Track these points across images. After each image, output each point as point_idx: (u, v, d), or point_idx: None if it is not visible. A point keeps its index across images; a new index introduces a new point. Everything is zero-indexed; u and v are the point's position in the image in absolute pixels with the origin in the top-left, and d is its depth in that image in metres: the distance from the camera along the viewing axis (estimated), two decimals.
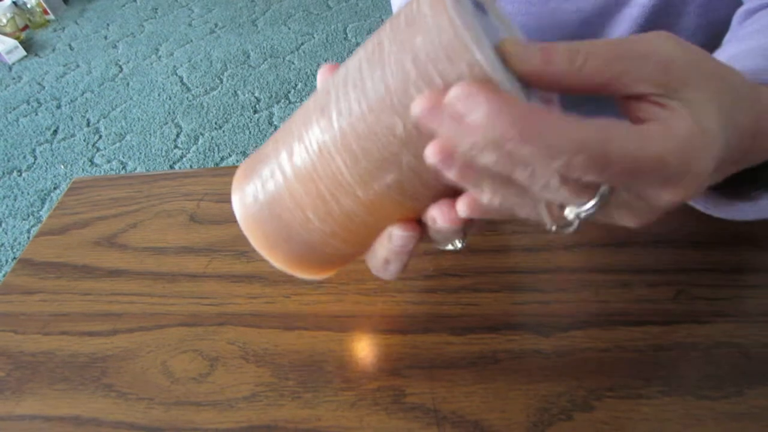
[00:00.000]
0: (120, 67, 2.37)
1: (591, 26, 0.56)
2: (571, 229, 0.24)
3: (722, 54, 0.38)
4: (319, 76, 0.28)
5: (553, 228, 0.24)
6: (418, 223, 0.25)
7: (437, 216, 0.24)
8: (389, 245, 0.26)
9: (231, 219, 0.49)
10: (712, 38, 0.47)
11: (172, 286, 0.44)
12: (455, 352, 0.35)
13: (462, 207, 0.23)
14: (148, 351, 0.40)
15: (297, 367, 0.36)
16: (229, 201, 0.51)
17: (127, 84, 2.24)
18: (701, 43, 0.53)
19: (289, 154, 0.25)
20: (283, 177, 0.25)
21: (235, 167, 0.55)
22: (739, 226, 0.37)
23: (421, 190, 0.23)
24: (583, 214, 0.23)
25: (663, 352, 0.32)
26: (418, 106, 0.20)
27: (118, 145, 1.92)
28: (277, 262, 0.28)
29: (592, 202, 0.23)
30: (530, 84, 0.22)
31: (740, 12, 0.46)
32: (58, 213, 0.55)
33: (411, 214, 0.25)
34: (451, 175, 0.22)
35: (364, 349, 0.36)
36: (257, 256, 0.44)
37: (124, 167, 1.81)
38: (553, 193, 0.23)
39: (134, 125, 2.00)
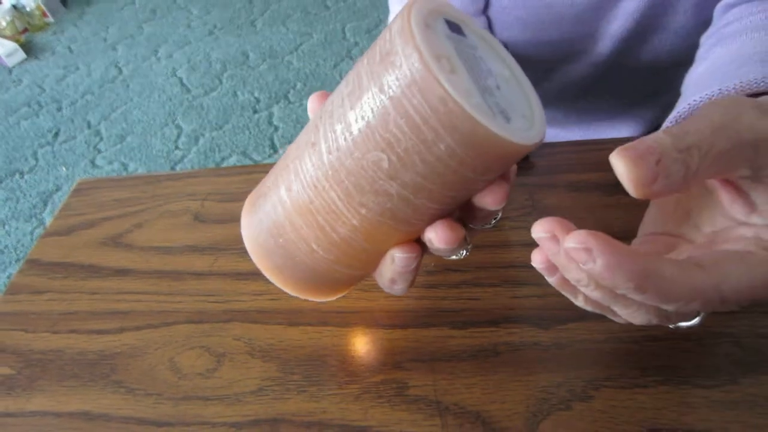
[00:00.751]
0: (120, 68, 2.38)
1: (586, 21, 0.57)
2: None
3: (711, 56, 0.39)
4: (309, 106, 0.29)
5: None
6: (418, 243, 0.26)
7: (433, 238, 0.24)
8: (392, 267, 0.26)
9: (235, 218, 0.50)
10: None
11: (178, 284, 0.45)
12: (456, 345, 0.35)
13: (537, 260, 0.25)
14: (155, 348, 0.41)
15: (302, 361, 0.37)
16: (232, 201, 0.52)
17: (127, 86, 2.25)
18: (694, 40, 0.54)
19: (287, 189, 0.26)
20: (284, 211, 0.26)
21: (237, 167, 0.56)
22: None
23: (414, 216, 0.24)
24: (685, 326, 0.26)
25: (658, 342, 0.33)
26: (536, 261, 0.23)
27: (119, 146, 1.93)
28: (288, 289, 0.29)
29: (696, 320, 0.26)
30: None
31: (721, 5, 0.46)
32: (64, 214, 0.56)
33: (409, 237, 0.25)
34: (550, 281, 0.24)
35: (367, 343, 0.37)
36: None
37: (125, 168, 1.82)
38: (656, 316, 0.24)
39: (135, 127, 2.00)
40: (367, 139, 0.21)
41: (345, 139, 0.22)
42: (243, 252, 0.46)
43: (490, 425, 0.31)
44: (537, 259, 0.24)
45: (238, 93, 2.04)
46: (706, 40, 0.45)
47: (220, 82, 2.13)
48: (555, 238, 0.21)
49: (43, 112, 2.20)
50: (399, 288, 0.28)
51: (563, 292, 0.25)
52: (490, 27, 0.59)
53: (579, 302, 0.25)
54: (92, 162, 1.89)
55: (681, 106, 0.33)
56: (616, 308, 0.24)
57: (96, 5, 3.01)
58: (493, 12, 0.58)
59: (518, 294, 0.38)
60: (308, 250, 0.26)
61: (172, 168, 1.77)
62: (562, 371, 0.33)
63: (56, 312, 0.46)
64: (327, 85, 1.99)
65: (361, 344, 0.37)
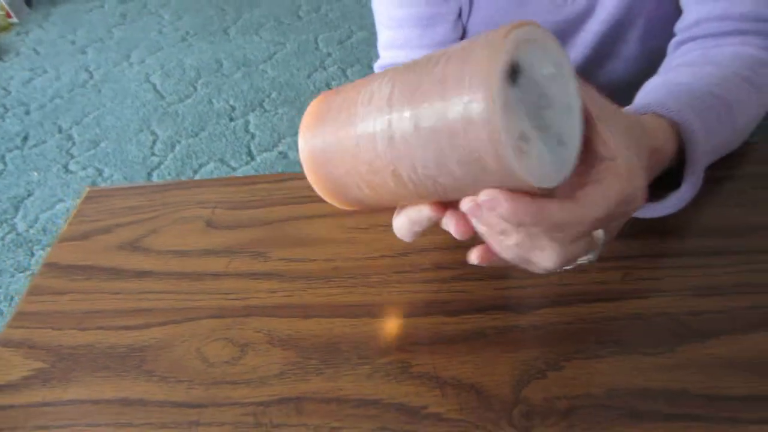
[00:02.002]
0: (90, 73, 2.38)
1: None
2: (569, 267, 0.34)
3: (651, 82, 0.49)
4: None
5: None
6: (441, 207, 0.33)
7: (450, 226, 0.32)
8: (419, 214, 0.34)
9: (246, 225, 0.55)
10: (651, 63, 0.56)
11: (198, 284, 0.50)
12: (450, 330, 0.42)
13: (474, 257, 0.33)
14: (182, 341, 0.46)
15: (318, 348, 0.43)
16: (240, 209, 0.58)
17: (99, 90, 2.26)
18: (642, 67, 0.63)
19: (356, 141, 0.31)
20: (351, 157, 0.31)
21: (242, 178, 0.62)
22: (666, 222, 0.46)
23: (437, 197, 0.31)
24: (588, 259, 0.34)
25: (614, 321, 0.41)
26: (465, 205, 0.30)
27: (93, 152, 1.94)
28: (324, 195, 0.36)
29: (595, 252, 0.33)
30: None
31: (673, 42, 0.55)
32: (78, 220, 0.60)
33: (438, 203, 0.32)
34: (481, 230, 0.32)
35: (374, 331, 0.43)
36: (273, 256, 0.51)
37: (100, 174, 1.84)
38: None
39: (109, 132, 2.02)
40: (428, 155, 0.28)
41: (411, 143, 0.28)
42: (256, 254, 0.52)
43: (483, 393, 0.38)
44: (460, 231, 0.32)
45: (214, 100, 2.08)
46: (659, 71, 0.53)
47: (195, 89, 2.16)
48: (477, 205, 0.29)
49: (9, 116, 2.18)
50: (412, 232, 0.35)
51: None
52: None
53: (504, 251, 0.33)
54: (65, 167, 1.89)
55: (629, 107, 0.44)
56: (532, 255, 0.32)
57: (62, 6, 2.98)
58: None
59: (500, 286, 0.45)
60: (356, 185, 0.33)
61: (149, 174, 1.80)
62: (538, 348, 0.40)
63: (80, 311, 0.50)
64: (302, 94, 2.04)
65: (369, 332, 0.43)
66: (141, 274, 0.53)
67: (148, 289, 0.51)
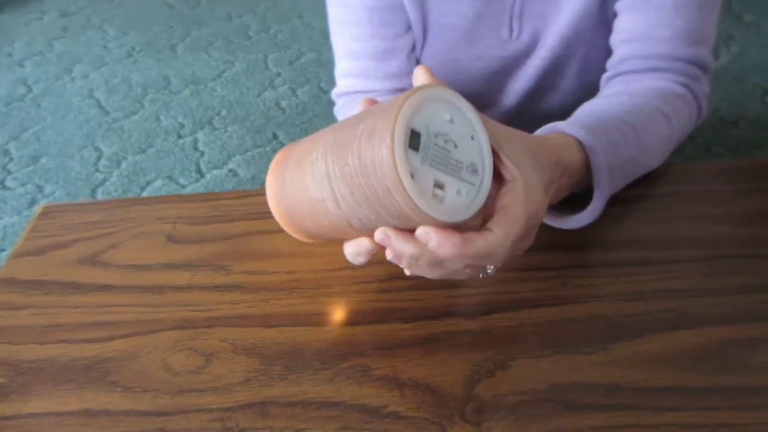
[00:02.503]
0: (29, 86, 2.31)
1: (496, 80, 0.70)
2: (491, 275, 0.42)
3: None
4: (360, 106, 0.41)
5: (480, 275, 0.42)
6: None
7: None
8: (360, 247, 0.40)
9: (207, 239, 0.57)
10: (586, 96, 0.62)
11: (160, 297, 0.51)
12: (407, 335, 0.45)
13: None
14: (146, 352, 0.47)
15: (282, 355, 0.45)
16: (201, 224, 0.59)
17: (38, 105, 2.19)
18: (578, 99, 0.69)
19: (307, 191, 0.39)
20: (307, 202, 0.40)
21: (203, 194, 0.64)
22: (598, 236, 0.51)
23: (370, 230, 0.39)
24: (495, 268, 0.41)
25: (555, 324, 0.45)
26: (379, 235, 0.36)
27: (32, 168, 1.88)
28: (287, 229, 0.45)
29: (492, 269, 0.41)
30: None
31: (604, 77, 0.62)
32: (33, 236, 0.60)
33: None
34: (401, 265, 0.39)
35: (335, 338, 0.46)
36: (236, 269, 0.53)
37: (41, 191, 1.78)
38: (472, 268, 0.39)
39: (49, 148, 1.96)
40: (359, 205, 0.36)
41: (354, 205, 0.37)
42: (218, 268, 0.54)
43: (438, 392, 0.41)
44: (389, 254, 0.38)
45: (161, 117, 2.05)
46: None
47: (142, 105, 2.13)
48: (388, 237, 0.36)
49: None
50: (359, 260, 0.42)
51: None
52: None
53: (429, 276, 0.41)
54: (1, 183, 1.83)
55: (538, 131, 0.51)
56: (450, 276, 0.40)
57: None
58: None
59: (451, 295, 0.48)
60: (313, 224, 0.41)
61: (93, 191, 1.76)
62: (487, 350, 0.44)
63: (40, 325, 0.50)
64: (252, 113, 2.05)
65: (331, 339, 0.46)
66: (102, 288, 0.53)
67: (110, 303, 0.51)
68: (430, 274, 0.40)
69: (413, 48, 0.67)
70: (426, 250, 0.35)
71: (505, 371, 0.42)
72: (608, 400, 0.40)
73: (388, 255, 0.38)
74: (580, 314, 0.45)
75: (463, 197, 0.35)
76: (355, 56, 0.68)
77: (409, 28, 0.65)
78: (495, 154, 0.38)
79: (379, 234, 0.36)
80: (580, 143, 0.48)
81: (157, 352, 0.47)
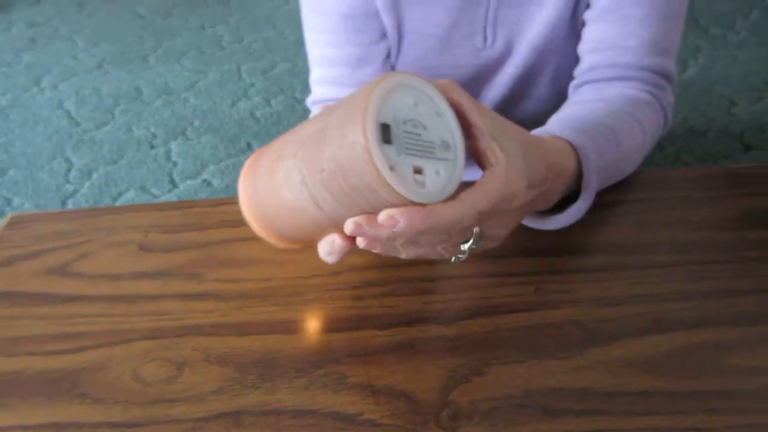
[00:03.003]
0: None
1: (471, 88, 0.71)
2: (463, 258, 0.42)
3: (553, 117, 0.57)
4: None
5: (452, 259, 0.42)
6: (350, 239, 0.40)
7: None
8: (333, 246, 0.41)
9: (180, 248, 0.56)
10: (559, 103, 0.64)
11: (131, 306, 0.51)
12: (382, 342, 0.45)
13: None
14: (117, 362, 0.46)
15: (256, 364, 0.45)
16: (175, 232, 0.58)
17: (6, 116, 2.15)
18: (551, 106, 0.70)
19: (280, 187, 0.39)
20: (278, 201, 0.40)
21: (176, 203, 0.63)
22: (572, 241, 0.52)
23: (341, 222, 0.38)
24: (469, 246, 0.40)
25: (529, 330, 0.45)
26: (350, 226, 0.36)
27: (0, 180, 1.84)
28: (256, 227, 0.45)
29: (472, 239, 0.40)
30: None
31: (572, 85, 0.64)
32: (0, 247, 0.59)
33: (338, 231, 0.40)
34: (375, 250, 0.39)
35: (310, 345, 0.46)
36: (208, 277, 0.53)
37: (9, 203, 1.74)
38: (446, 243, 0.39)
39: (18, 160, 1.92)
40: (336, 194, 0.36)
41: (336, 206, 0.37)
42: (191, 276, 0.53)
43: (413, 399, 0.41)
44: (361, 242, 0.38)
45: (133, 128, 2.03)
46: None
47: (113, 116, 2.10)
48: (360, 226, 0.36)
49: None
50: (331, 259, 0.42)
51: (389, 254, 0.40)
52: None
53: (402, 256, 0.41)
54: None
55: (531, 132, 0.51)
56: (425, 254, 0.40)
57: None
58: None
59: (426, 301, 0.49)
60: (295, 230, 0.42)
61: (63, 202, 1.73)
62: (462, 356, 0.44)
63: (6, 337, 0.48)
64: (226, 123, 2.04)
65: (306, 347, 0.46)
66: (71, 299, 0.52)
67: (80, 313, 0.50)
68: (405, 254, 0.40)
69: (388, 56, 0.68)
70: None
71: (481, 377, 0.42)
72: (582, 405, 0.40)
73: (360, 243, 0.38)
74: (555, 320, 0.46)
75: (441, 176, 0.36)
76: (329, 63, 0.68)
77: (383, 35, 0.66)
78: (484, 140, 0.39)
79: (350, 226, 0.36)
80: (572, 147, 0.49)
81: (127, 363, 0.46)
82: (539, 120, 0.70)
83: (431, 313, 0.48)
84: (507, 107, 0.72)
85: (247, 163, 0.44)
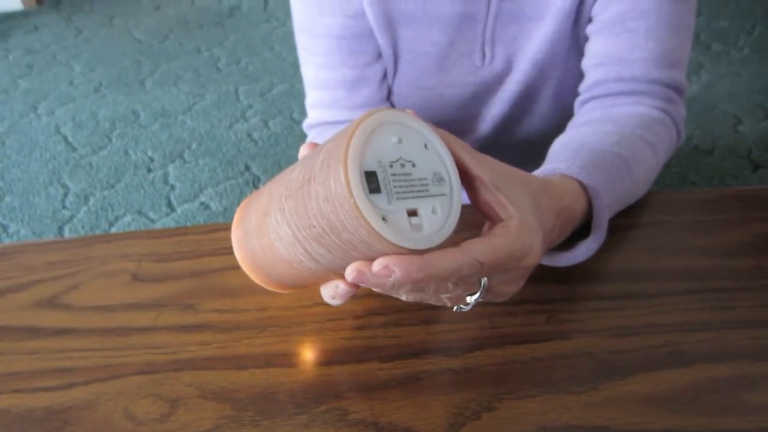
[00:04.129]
0: None
1: (471, 106, 0.70)
2: (467, 309, 0.39)
3: (559, 140, 0.55)
4: (301, 152, 0.39)
5: (455, 309, 0.40)
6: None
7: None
8: (336, 290, 0.38)
9: (173, 277, 0.54)
10: (562, 119, 0.62)
11: (124, 339, 0.48)
12: (386, 375, 0.43)
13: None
14: (107, 399, 0.44)
15: (253, 399, 0.42)
16: (168, 261, 0.57)
17: (3, 143, 2.13)
18: (554, 123, 0.68)
19: (271, 240, 0.37)
20: (272, 255, 0.38)
21: (169, 230, 0.61)
22: (584, 268, 0.49)
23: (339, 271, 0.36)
24: (474, 299, 0.38)
25: (541, 362, 0.43)
26: (350, 274, 0.33)
27: None
28: (260, 282, 0.43)
29: (479, 292, 0.37)
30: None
31: (577, 101, 0.62)
32: None
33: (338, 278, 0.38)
34: (378, 290, 0.35)
35: (311, 379, 0.44)
36: (204, 308, 0.51)
37: (5, 230, 1.72)
38: (451, 293, 0.37)
39: (14, 186, 1.90)
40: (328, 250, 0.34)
41: (332, 259, 0.35)
42: (185, 307, 0.51)
43: None
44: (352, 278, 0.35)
45: (130, 152, 2.02)
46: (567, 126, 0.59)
47: (110, 140, 2.09)
48: (362, 272, 0.33)
49: None
50: (336, 302, 0.39)
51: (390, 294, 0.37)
52: None
53: (403, 298, 0.38)
54: None
55: (537, 171, 0.49)
56: (429, 301, 0.38)
57: None
58: (395, 99, 0.69)
59: (432, 331, 0.46)
60: (294, 280, 0.40)
61: (60, 229, 1.71)
62: (472, 390, 0.41)
63: None
64: (223, 145, 2.03)
65: (306, 380, 0.43)
66: (61, 332, 0.50)
67: (69, 348, 0.48)
68: (406, 298, 0.38)
69: (384, 77, 0.67)
70: None
71: (491, 413, 0.40)
72: None
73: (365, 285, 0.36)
74: (567, 351, 0.44)
75: (439, 213, 0.34)
76: (324, 86, 0.67)
77: (379, 56, 0.65)
78: (493, 194, 0.37)
79: (351, 274, 0.33)
80: (583, 187, 0.47)
81: (119, 400, 0.44)
82: (543, 136, 0.68)
83: (438, 343, 0.45)
84: (509, 125, 0.71)
85: (237, 215, 0.42)
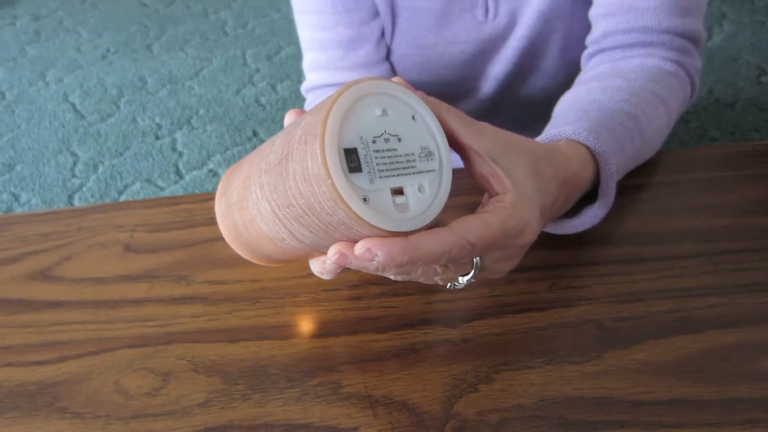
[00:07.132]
0: (2, 93, 2.25)
1: (474, 64, 0.66)
2: (461, 286, 0.37)
3: (565, 98, 0.51)
4: (286, 119, 0.37)
5: (448, 286, 0.37)
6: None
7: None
8: (324, 265, 0.37)
9: (167, 247, 0.53)
10: (569, 76, 0.59)
11: (115, 312, 0.48)
12: (381, 347, 0.41)
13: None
14: (98, 373, 0.43)
15: (245, 373, 0.41)
16: (162, 231, 0.55)
17: (13, 112, 2.13)
18: (562, 79, 0.65)
19: (254, 218, 0.36)
20: (256, 232, 0.36)
21: (163, 199, 0.59)
22: (589, 231, 0.47)
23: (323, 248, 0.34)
24: (467, 280, 0.36)
25: (542, 331, 0.41)
26: (332, 256, 0.31)
27: (7, 176, 1.83)
28: (248, 257, 0.42)
29: (472, 272, 0.35)
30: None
31: (584, 55, 0.58)
32: None
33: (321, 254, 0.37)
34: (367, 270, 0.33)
35: (303, 352, 0.42)
36: (197, 278, 0.49)
37: (17, 199, 1.73)
38: (441, 275, 0.34)
39: (24, 155, 1.91)
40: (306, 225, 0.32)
41: (313, 238, 0.33)
42: (178, 278, 0.50)
43: (414, 410, 0.37)
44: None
45: (138, 119, 2.00)
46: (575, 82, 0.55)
47: (118, 107, 2.08)
48: (344, 255, 0.31)
49: None
50: (326, 277, 0.38)
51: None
52: (393, 71, 0.67)
53: (392, 278, 0.36)
54: None
55: (542, 136, 0.45)
56: (418, 279, 0.35)
57: None
58: (394, 58, 0.66)
59: (429, 300, 0.44)
60: (280, 255, 0.38)
61: (70, 197, 1.71)
62: (469, 361, 0.40)
63: None
64: (231, 111, 2.00)
65: (298, 353, 0.42)
66: (53, 305, 0.49)
67: (62, 320, 0.48)
68: (396, 278, 0.36)
69: (382, 35, 0.63)
70: None
71: (489, 385, 0.38)
72: (602, 415, 0.36)
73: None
74: (570, 319, 0.42)
75: (426, 191, 0.31)
76: (320, 47, 0.64)
77: (375, 13, 0.61)
78: (489, 166, 0.34)
79: (333, 256, 0.31)
80: (590, 153, 0.44)
81: (110, 374, 0.43)
82: (549, 94, 0.65)
83: (435, 313, 0.44)
84: (513, 83, 0.67)
85: (221, 183, 0.40)
